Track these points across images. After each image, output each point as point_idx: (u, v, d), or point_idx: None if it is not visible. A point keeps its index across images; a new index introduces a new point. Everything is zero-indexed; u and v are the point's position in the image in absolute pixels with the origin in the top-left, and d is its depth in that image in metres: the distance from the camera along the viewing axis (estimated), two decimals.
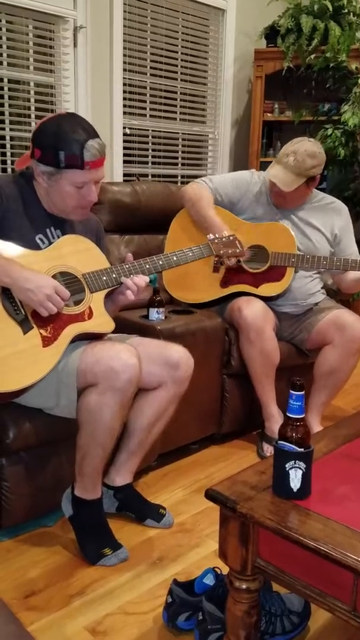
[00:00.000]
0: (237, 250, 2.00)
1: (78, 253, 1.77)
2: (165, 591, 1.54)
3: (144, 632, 1.49)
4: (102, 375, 1.61)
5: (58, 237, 1.77)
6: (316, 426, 2.45)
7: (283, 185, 2.31)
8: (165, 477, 2.26)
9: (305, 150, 2.30)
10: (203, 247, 1.95)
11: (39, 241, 1.73)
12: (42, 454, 1.84)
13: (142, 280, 1.78)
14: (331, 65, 3.59)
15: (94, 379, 1.62)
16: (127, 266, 1.79)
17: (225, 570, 1.29)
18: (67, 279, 1.71)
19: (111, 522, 1.82)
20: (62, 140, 1.62)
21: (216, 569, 1.51)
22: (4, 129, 3.00)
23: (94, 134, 1.66)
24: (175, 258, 1.88)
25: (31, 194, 1.74)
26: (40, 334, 1.63)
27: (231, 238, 2.01)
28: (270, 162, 2.50)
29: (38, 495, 1.84)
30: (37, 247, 1.71)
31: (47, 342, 1.63)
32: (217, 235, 2.00)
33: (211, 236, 1.99)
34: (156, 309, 2.24)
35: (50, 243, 1.75)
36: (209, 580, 1.49)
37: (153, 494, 2.11)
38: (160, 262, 1.85)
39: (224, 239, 1.99)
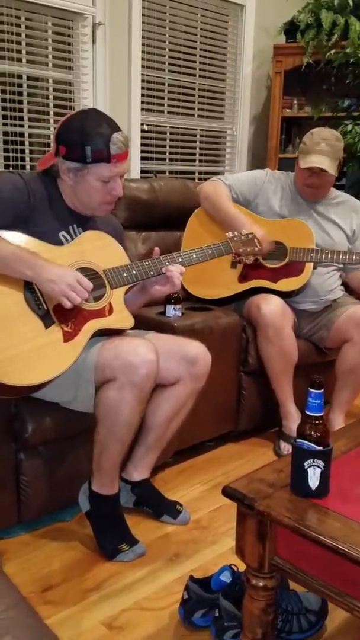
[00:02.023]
0: (256, 249, 2.00)
1: (99, 249, 1.78)
2: (182, 587, 1.54)
3: (160, 628, 1.50)
4: (120, 370, 1.61)
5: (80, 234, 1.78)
6: (340, 424, 2.44)
7: (330, 170, 2.33)
8: (181, 474, 2.26)
9: (332, 134, 2.38)
10: (222, 245, 1.95)
11: (62, 238, 1.74)
12: (60, 449, 1.86)
13: (179, 268, 1.80)
14: (351, 60, 3.55)
15: (112, 374, 1.63)
16: (147, 263, 1.79)
17: (241, 567, 1.29)
18: (88, 274, 1.71)
19: (128, 517, 1.83)
20: (88, 136, 1.63)
21: (233, 566, 1.51)
22: (22, 126, 3.01)
23: (117, 128, 1.68)
24: (194, 255, 1.89)
25: (55, 191, 1.75)
26: (62, 328, 1.64)
27: (250, 236, 2.01)
28: (290, 158, 2.51)
29: (55, 490, 1.85)
30: (59, 244, 1.73)
31: (68, 337, 1.64)
32: (236, 233, 2.00)
33: (230, 234, 1.99)
34: (173, 306, 2.24)
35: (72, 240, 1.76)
36: (226, 577, 1.49)
37: (169, 490, 2.12)
38: (180, 260, 1.85)
39: (243, 237, 2.00)
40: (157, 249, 1.86)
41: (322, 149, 2.33)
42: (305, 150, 2.37)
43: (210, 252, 1.92)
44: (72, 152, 1.65)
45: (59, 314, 1.64)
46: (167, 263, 1.82)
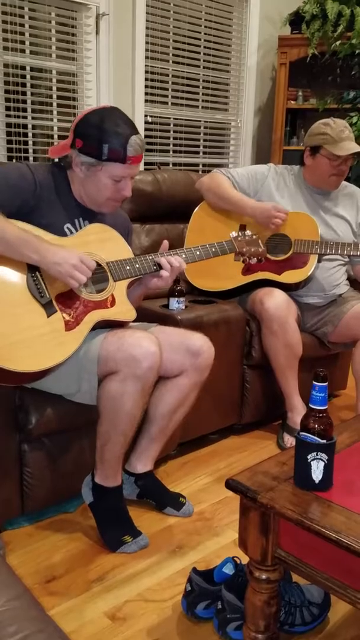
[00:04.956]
0: (260, 250, 2.01)
1: (103, 242, 1.78)
2: (185, 579, 1.54)
3: (163, 620, 1.50)
4: (123, 362, 1.61)
5: None
6: None
7: None
8: (184, 466, 2.27)
9: (345, 121, 2.40)
10: (227, 243, 1.97)
11: (66, 230, 1.75)
12: (63, 440, 1.86)
13: (176, 260, 1.79)
14: (357, 51, 3.52)
15: (115, 366, 1.63)
16: (150, 257, 1.79)
17: (244, 559, 1.29)
18: None
19: (131, 509, 1.84)
20: (107, 133, 1.64)
21: (235, 559, 1.51)
22: (26, 117, 3.00)
23: (135, 130, 1.69)
24: (198, 252, 1.91)
25: (64, 183, 1.76)
26: (63, 318, 1.64)
27: (254, 237, 2.03)
28: (294, 150, 2.49)
29: (59, 481, 1.86)
30: (64, 236, 1.73)
31: (69, 326, 1.64)
32: (240, 233, 2.02)
33: (234, 234, 2.01)
34: (176, 299, 2.24)
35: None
36: (228, 570, 1.49)
37: (173, 482, 2.12)
38: (184, 256, 1.85)
39: (247, 237, 2.01)
40: (165, 242, 1.86)
41: (348, 135, 2.35)
42: (333, 140, 2.33)
43: (213, 249, 1.95)
44: (89, 147, 1.66)
45: (61, 303, 1.65)
46: None
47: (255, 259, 2.03)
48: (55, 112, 3.11)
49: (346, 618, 1.51)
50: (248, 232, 2.03)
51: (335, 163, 2.37)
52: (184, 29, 3.56)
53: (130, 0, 3.20)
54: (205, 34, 3.68)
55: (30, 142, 3.05)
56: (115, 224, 1.87)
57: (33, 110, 3.03)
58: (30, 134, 3.05)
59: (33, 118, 3.04)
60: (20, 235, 1.58)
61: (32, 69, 2.99)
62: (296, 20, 3.80)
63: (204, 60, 3.73)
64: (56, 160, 1.78)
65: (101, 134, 1.64)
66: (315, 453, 1.13)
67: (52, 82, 3.08)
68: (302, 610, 1.45)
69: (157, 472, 2.10)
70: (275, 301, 2.32)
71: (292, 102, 3.99)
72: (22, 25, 2.87)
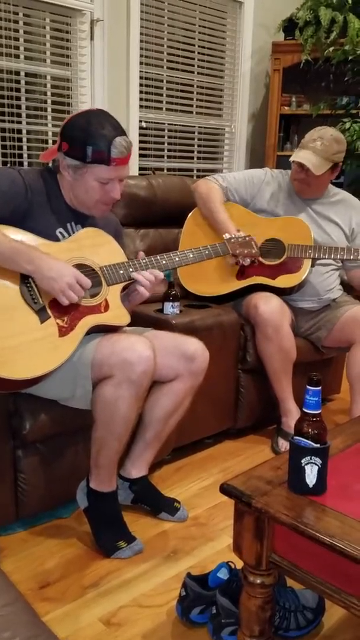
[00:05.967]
0: (253, 251, 2.02)
1: (96, 246, 1.78)
2: (179, 584, 1.54)
3: (158, 625, 1.50)
4: (117, 366, 1.61)
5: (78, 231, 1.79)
6: None
7: (314, 168, 2.31)
8: (179, 471, 2.26)
9: (331, 135, 2.34)
10: (220, 246, 1.97)
11: (59, 234, 1.75)
12: (58, 446, 1.86)
13: (152, 274, 1.79)
14: (350, 58, 3.55)
15: (109, 371, 1.63)
16: (143, 261, 1.80)
17: (239, 564, 1.29)
18: (84, 271, 1.71)
19: (126, 514, 1.83)
20: (91, 136, 1.64)
21: (230, 563, 1.51)
22: (20, 122, 3.00)
23: (121, 132, 1.69)
24: (191, 255, 1.90)
25: (55, 187, 1.76)
26: (57, 323, 1.64)
27: (247, 239, 2.03)
28: (288, 155, 2.50)
29: (54, 487, 1.86)
30: (56, 240, 1.73)
31: (63, 332, 1.64)
32: (233, 235, 2.01)
33: (227, 235, 2.01)
34: (171, 303, 2.24)
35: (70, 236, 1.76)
36: (223, 575, 1.49)
37: (167, 487, 2.12)
38: (177, 259, 1.86)
39: (240, 239, 2.01)
40: (141, 253, 1.86)
41: (314, 147, 2.32)
42: (301, 145, 2.38)
43: (207, 252, 1.94)
44: (74, 149, 1.66)
45: (54, 309, 1.65)
46: (164, 262, 1.82)
47: (248, 259, 2.03)
48: (49, 117, 3.11)
49: (340, 622, 1.51)
50: (242, 234, 2.04)
51: (295, 167, 2.40)
52: (178, 35, 3.58)
53: (124, 6, 3.21)
54: (199, 40, 3.70)
55: (25, 147, 3.06)
56: (107, 227, 1.87)
57: (27, 116, 3.03)
58: (24, 139, 3.05)
59: (27, 123, 3.04)
60: (13, 245, 1.58)
61: (26, 74, 3.00)
62: (290, 26, 3.83)
63: (198, 66, 3.74)
64: (49, 164, 1.79)
65: (85, 136, 1.64)
66: (309, 457, 1.13)
67: (46, 88, 3.09)
68: (296, 614, 1.45)
69: (152, 477, 2.10)
70: (269, 306, 2.32)
71: (286, 107, 4.01)
72: (16, 30, 2.88)
